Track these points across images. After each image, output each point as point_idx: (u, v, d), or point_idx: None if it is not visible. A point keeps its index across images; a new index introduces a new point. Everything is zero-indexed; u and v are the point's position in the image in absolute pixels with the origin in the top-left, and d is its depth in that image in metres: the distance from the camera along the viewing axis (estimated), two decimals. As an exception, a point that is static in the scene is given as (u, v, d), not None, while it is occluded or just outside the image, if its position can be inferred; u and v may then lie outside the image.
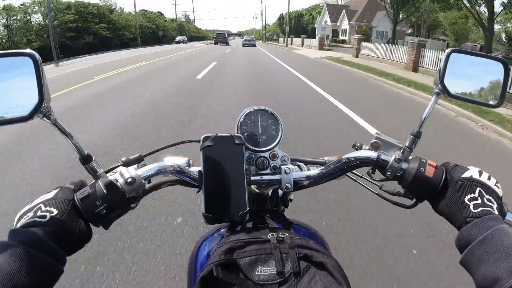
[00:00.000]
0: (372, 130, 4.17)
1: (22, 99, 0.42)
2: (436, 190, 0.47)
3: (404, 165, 0.51)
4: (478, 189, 0.44)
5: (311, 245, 0.45)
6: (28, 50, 0.41)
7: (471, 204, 0.43)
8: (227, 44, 36.01)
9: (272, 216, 0.56)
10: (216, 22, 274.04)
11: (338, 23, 39.03)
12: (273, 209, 0.62)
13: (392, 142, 0.54)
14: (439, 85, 0.51)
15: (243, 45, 31.75)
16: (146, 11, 48.54)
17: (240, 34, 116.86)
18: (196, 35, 77.54)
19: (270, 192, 0.63)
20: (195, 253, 0.60)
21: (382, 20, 37.11)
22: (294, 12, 64.31)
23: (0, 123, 0.42)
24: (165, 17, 57.36)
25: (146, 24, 42.01)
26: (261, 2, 70.84)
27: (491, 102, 0.54)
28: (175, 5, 58.67)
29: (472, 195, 0.44)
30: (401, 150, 0.53)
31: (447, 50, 0.51)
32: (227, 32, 58.02)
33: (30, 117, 0.42)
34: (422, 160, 0.50)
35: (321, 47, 24.71)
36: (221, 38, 36.21)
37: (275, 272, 0.42)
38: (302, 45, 31.70)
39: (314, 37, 32.30)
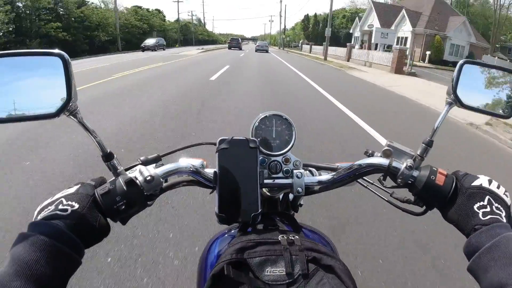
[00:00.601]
0: None
1: (50, 97, 0.44)
2: (446, 198, 0.48)
3: (415, 173, 0.51)
4: (487, 197, 0.45)
5: (320, 248, 0.46)
6: (57, 50, 0.44)
7: (480, 212, 0.44)
8: (240, 49, 36.32)
9: (282, 219, 0.58)
10: (230, 26, 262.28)
11: (393, 28, 27.98)
12: (283, 212, 0.62)
13: (404, 150, 0.54)
14: (452, 95, 0.52)
15: (255, 51, 31.31)
16: (140, 7, 38.57)
17: (254, 39, 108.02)
18: (205, 39, 66.67)
19: (281, 196, 0.63)
20: (206, 253, 0.61)
21: (459, 30, 26.13)
22: (321, 16, 53.31)
23: (28, 118, 0.45)
24: (164, 16, 46.36)
25: (135, 23, 32.38)
26: (280, 1, 60.40)
27: (502, 113, 0.55)
28: (178, 1, 48.17)
29: (481, 203, 0.45)
30: (413, 158, 0.53)
31: (460, 61, 0.52)
32: (240, 37, 55.45)
33: (57, 114, 0.44)
34: (433, 168, 0.50)
35: (398, 69, 13.99)
36: (234, 43, 37.20)
37: (284, 273, 0.43)
38: (348, 59, 21.12)
39: (346, 46, 21.79)
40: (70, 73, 0.44)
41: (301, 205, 0.67)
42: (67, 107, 0.44)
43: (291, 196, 0.65)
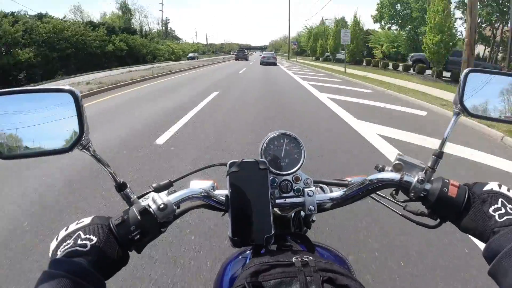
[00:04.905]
0: None
1: (62, 132, 0.46)
2: (460, 209, 0.48)
3: (427, 186, 0.51)
4: (500, 199, 0.46)
5: (335, 268, 0.46)
6: (67, 87, 0.45)
7: (496, 214, 0.44)
8: (247, 60, 36.43)
9: (295, 239, 0.58)
10: (235, 36, 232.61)
11: None
12: (296, 232, 0.63)
13: (414, 163, 0.54)
14: (459, 105, 0.52)
15: (261, 63, 26.18)
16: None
17: (263, 48, 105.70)
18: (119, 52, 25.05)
19: (292, 214, 0.63)
20: (220, 277, 0.61)
21: None
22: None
23: (42, 154, 0.46)
24: None
25: None
26: None
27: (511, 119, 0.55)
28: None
29: (496, 205, 0.45)
30: (424, 171, 0.52)
31: (465, 70, 0.53)
32: (247, 47, 53.73)
33: (70, 149, 0.46)
34: (445, 180, 0.50)
35: None
36: (241, 54, 38.17)
37: None
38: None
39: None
40: (82, 108, 0.45)
41: (313, 221, 0.67)
42: (80, 142, 0.45)
43: (302, 213, 0.65)
